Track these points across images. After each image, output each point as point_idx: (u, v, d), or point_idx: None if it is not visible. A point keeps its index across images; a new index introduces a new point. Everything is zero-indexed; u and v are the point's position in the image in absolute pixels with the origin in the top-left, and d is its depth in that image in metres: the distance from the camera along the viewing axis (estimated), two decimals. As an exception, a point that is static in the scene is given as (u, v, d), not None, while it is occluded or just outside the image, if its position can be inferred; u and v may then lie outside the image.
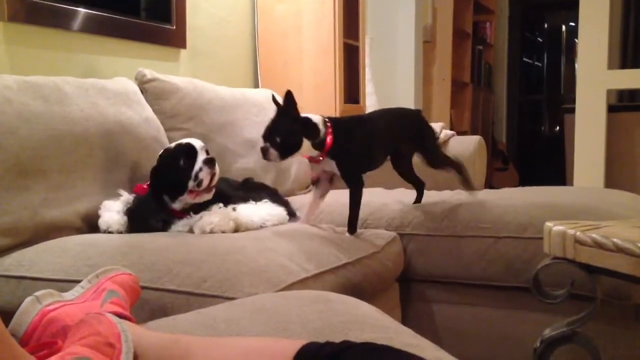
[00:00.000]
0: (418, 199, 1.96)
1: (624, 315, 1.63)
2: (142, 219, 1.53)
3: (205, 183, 1.54)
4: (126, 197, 1.60)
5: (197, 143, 1.59)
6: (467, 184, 1.90)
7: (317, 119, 1.57)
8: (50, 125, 1.54)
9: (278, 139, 1.52)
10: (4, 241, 1.40)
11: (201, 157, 1.55)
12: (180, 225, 1.55)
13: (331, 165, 1.60)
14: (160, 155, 1.61)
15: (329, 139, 1.56)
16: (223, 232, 1.50)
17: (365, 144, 1.64)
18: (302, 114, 1.56)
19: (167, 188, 1.56)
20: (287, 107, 1.53)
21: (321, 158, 1.58)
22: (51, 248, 1.38)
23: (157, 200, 1.55)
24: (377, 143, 1.68)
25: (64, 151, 1.55)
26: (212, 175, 1.54)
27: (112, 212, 1.56)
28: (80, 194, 1.58)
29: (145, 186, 1.61)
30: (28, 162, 1.46)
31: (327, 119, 1.59)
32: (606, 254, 1.22)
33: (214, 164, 1.55)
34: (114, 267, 1.07)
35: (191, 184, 1.53)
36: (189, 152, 1.56)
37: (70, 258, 1.31)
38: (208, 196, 1.56)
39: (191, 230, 1.53)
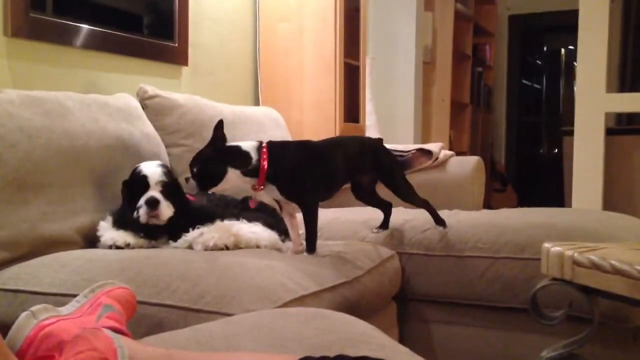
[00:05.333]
0: (385, 223, 1.91)
1: (622, 338, 1.63)
2: (129, 219, 1.54)
3: (142, 220, 1.53)
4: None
5: (155, 175, 1.55)
6: (436, 220, 1.86)
7: (248, 145, 1.53)
8: (52, 140, 1.54)
9: (195, 170, 1.50)
10: (3, 255, 1.40)
11: (150, 193, 1.53)
12: (178, 243, 1.55)
13: (274, 191, 1.55)
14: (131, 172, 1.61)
15: (264, 164, 1.51)
16: (226, 247, 1.50)
17: (308, 166, 1.57)
18: (235, 143, 1.53)
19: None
20: (213, 137, 1.51)
21: (261, 186, 1.53)
22: (50, 262, 1.38)
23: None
24: (323, 166, 1.61)
25: (64, 166, 1.56)
26: (152, 216, 1.53)
27: (112, 229, 1.56)
28: (79, 208, 1.58)
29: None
30: (28, 176, 1.47)
31: (263, 144, 1.54)
32: (604, 275, 1.22)
33: (156, 206, 1.52)
34: (110, 282, 1.07)
35: (135, 214, 1.54)
36: (141, 183, 1.55)
37: (69, 272, 1.31)
38: (160, 222, 1.54)
39: (190, 247, 1.53)
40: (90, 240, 1.57)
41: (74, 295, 1.05)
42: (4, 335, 0.89)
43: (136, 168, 1.60)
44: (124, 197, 1.61)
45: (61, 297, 1.21)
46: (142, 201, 1.53)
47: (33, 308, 0.94)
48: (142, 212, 1.53)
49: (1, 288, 1.31)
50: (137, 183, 1.56)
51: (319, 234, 1.83)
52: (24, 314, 0.92)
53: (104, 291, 1.03)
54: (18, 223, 1.43)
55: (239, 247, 1.54)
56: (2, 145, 1.43)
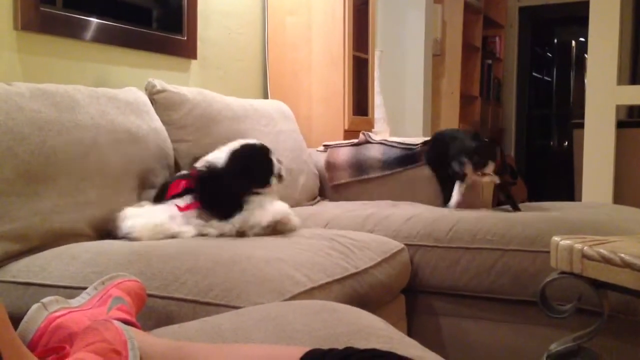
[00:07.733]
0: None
1: (631, 331, 1.62)
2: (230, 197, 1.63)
3: (284, 180, 1.74)
4: (151, 205, 1.63)
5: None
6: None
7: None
8: (61, 132, 1.55)
9: None
10: (14, 247, 1.41)
11: (275, 157, 1.74)
12: (226, 228, 1.60)
13: None
14: (241, 151, 1.69)
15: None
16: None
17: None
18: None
19: (254, 181, 1.67)
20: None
21: None
22: (60, 255, 1.39)
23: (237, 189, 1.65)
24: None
25: (74, 158, 1.57)
26: None
27: (139, 218, 1.55)
28: (89, 201, 1.59)
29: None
30: (39, 169, 1.48)
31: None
32: (613, 269, 1.21)
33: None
34: (120, 274, 1.08)
35: (274, 180, 1.70)
36: (266, 153, 1.73)
37: (79, 265, 1.32)
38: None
39: (241, 232, 1.59)
40: (101, 232, 1.58)
41: (84, 288, 1.06)
42: (16, 327, 0.90)
43: (251, 146, 1.71)
44: (240, 175, 1.64)
45: (72, 290, 1.22)
46: (278, 165, 1.71)
47: (44, 300, 0.95)
48: (284, 172, 1.73)
49: (12, 280, 1.33)
50: (261, 155, 1.70)
51: (327, 226, 1.85)
52: (35, 306, 0.93)
53: (114, 283, 1.04)
54: (29, 215, 1.44)
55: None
56: (13, 138, 1.44)
